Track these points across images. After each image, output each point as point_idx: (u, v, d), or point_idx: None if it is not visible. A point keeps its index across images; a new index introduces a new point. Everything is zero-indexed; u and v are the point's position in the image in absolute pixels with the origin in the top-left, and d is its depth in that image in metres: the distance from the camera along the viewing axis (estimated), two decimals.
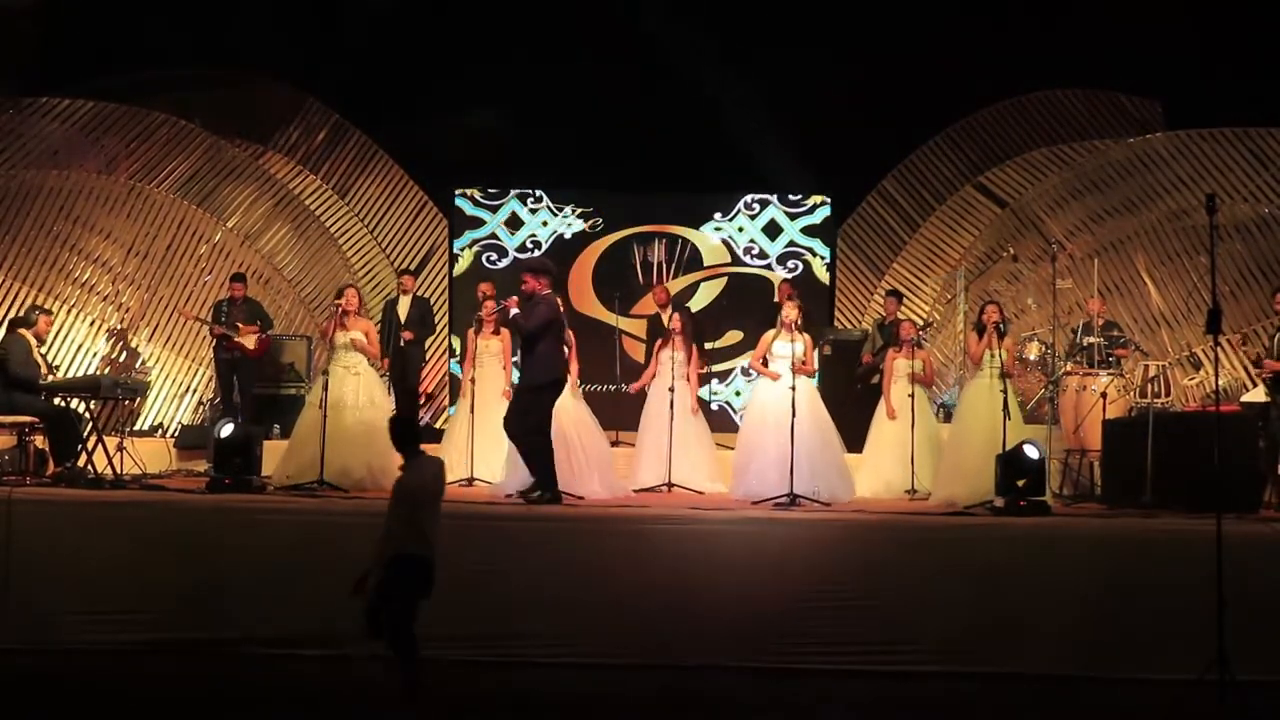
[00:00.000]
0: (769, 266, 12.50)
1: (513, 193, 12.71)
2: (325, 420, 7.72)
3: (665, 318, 10.17)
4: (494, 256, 12.57)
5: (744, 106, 11.98)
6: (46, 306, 9.38)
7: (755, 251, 12.56)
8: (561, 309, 7.57)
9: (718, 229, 12.61)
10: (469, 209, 12.69)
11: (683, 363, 8.79)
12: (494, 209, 12.71)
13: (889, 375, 8.87)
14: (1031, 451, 7.09)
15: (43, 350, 8.54)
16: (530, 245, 12.60)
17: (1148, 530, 6.55)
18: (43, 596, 6.34)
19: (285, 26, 11.21)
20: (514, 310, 7.42)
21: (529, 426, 7.32)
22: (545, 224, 12.69)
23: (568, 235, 12.61)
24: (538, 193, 12.72)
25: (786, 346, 8.15)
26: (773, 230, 12.62)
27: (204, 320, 10.42)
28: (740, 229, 12.63)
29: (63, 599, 6.32)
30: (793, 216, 12.57)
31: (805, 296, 10.90)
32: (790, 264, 12.50)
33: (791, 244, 12.57)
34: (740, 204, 12.59)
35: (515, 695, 5.63)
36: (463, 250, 12.63)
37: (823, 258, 12.49)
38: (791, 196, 12.63)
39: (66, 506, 6.72)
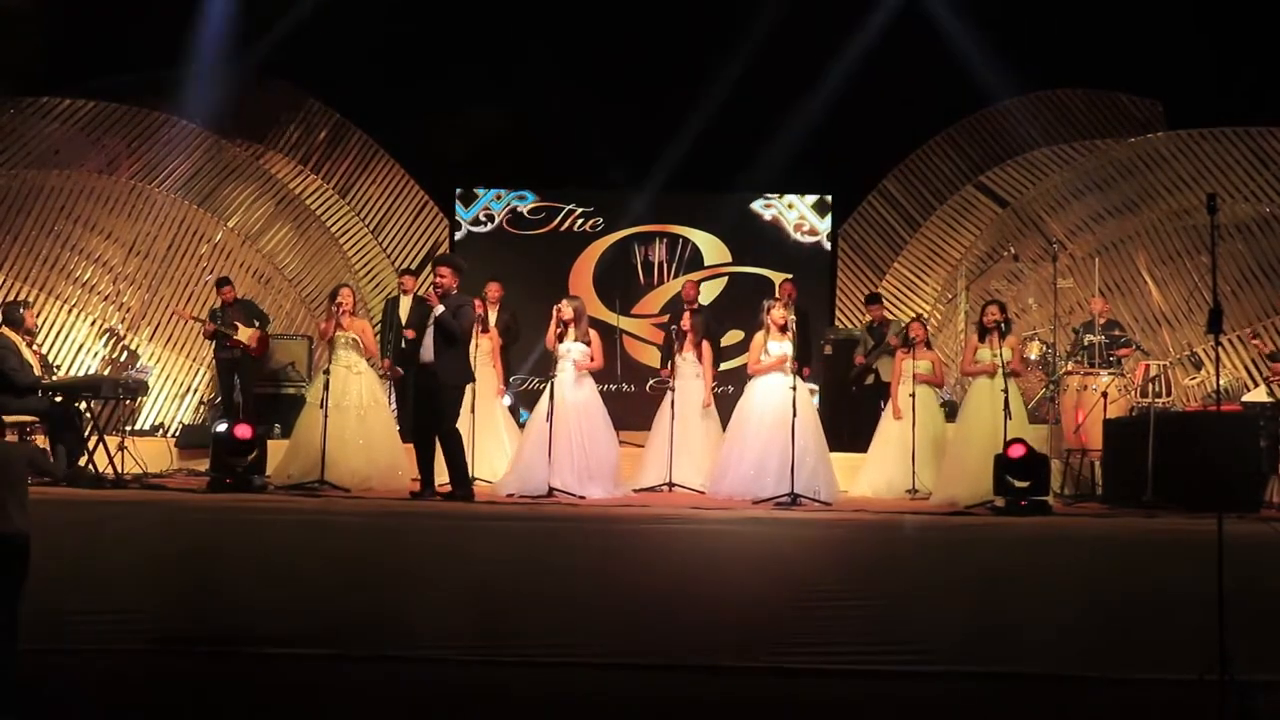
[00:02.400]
0: (819, 244, 12.67)
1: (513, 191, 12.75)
2: (326, 420, 7.73)
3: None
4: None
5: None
6: (28, 300, 9.37)
7: (805, 228, 12.70)
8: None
9: (767, 205, 12.75)
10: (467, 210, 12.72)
11: (694, 362, 8.82)
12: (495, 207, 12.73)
13: (896, 376, 8.86)
14: (1019, 450, 7.09)
15: (36, 344, 8.50)
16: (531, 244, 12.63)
17: (1148, 530, 6.56)
18: (42, 596, 6.30)
19: (289, 25, 11.21)
20: (439, 308, 7.47)
21: (450, 425, 7.52)
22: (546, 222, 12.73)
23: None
24: (538, 192, 12.75)
25: (781, 346, 8.15)
26: (822, 207, 12.78)
27: (200, 319, 10.41)
28: (790, 205, 12.74)
29: (62, 599, 6.29)
30: None
31: (804, 294, 10.92)
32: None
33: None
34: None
35: (515, 695, 5.62)
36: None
37: None
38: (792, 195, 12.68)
39: (67, 506, 6.71)
